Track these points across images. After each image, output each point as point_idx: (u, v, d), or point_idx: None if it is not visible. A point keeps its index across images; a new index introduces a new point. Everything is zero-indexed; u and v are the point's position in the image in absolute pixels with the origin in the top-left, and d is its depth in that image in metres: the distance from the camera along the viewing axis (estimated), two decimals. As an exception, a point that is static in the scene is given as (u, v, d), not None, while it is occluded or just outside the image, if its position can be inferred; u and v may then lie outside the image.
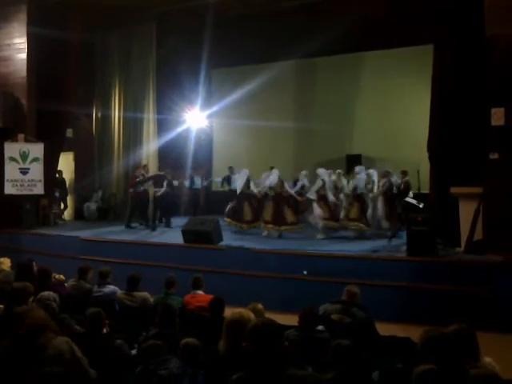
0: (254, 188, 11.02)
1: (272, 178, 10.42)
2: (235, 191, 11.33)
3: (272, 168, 11.13)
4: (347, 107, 14.53)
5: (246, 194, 10.95)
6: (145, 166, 12.74)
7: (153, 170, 13.36)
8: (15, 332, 2.96)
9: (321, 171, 10.44)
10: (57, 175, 13.45)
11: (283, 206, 10.23)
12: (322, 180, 10.23)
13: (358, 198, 10.20)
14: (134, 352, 4.05)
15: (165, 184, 11.99)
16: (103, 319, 4.05)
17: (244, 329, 2.51)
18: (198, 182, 13.89)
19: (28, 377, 2.85)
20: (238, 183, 10.93)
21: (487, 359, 3.24)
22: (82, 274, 6.06)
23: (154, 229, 11.61)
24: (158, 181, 12.05)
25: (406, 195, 9.67)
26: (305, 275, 7.79)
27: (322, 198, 10.21)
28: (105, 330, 4.09)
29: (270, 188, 10.41)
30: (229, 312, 3.48)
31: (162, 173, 12.31)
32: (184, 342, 3.63)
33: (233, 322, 3.25)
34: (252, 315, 3.35)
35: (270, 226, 10.19)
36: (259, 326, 2.36)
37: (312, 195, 10.37)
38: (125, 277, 5.79)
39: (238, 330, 3.09)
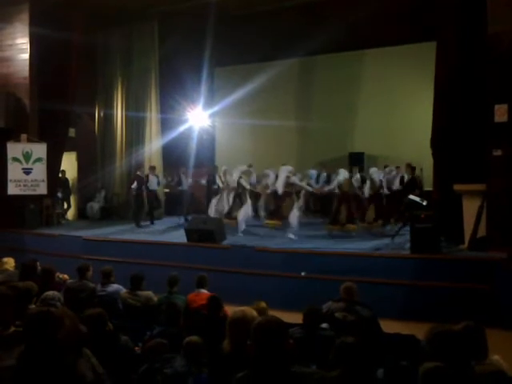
0: (300, 183, 10.75)
1: (342, 176, 10.33)
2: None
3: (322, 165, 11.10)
4: (350, 105, 14.51)
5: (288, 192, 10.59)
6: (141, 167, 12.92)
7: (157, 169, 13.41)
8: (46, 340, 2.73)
9: (373, 170, 10.57)
10: (60, 175, 13.49)
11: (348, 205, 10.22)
12: (372, 179, 10.33)
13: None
14: (137, 350, 4.05)
15: (135, 183, 12.26)
16: (105, 318, 4.03)
17: (247, 327, 2.51)
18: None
19: None
20: (279, 181, 10.56)
21: (495, 357, 3.21)
22: (82, 272, 6.04)
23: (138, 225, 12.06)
24: (134, 180, 12.48)
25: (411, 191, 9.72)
26: (303, 276, 7.80)
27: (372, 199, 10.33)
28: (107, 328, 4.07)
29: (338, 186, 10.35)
30: (232, 310, 3.48)
31: (138, 173, 12.50)
32: (187, 341, 3.63)
33: (236, 320, 3.24)
34: (255, 313, 3.35)
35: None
36: (264, 324, 2.35)
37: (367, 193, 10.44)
38: (128, 276, 5.80)
39: (241, 329, 3.09)
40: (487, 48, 7.97)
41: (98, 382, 2.89)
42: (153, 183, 12.46)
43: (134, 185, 12.26)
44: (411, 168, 10.40)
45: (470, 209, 8.02)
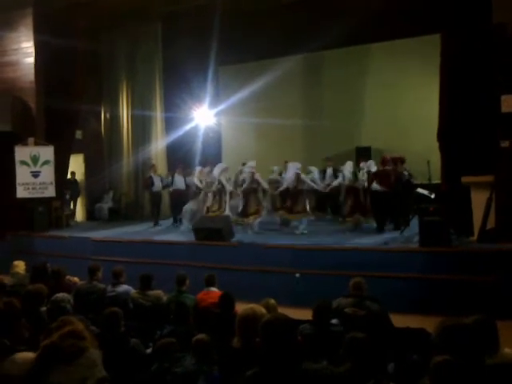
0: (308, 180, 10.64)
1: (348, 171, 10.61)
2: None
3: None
4: (356, 100, 14.48)
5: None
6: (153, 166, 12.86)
7: (161, 168, 13.42)
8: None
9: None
10: (69, 176, 13.56)
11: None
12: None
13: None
14: (149, 350, 4.06)
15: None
16: (120, 319, 4.04)
17: (257, 324, 2.51)
18: None
19: None
20: (288, 177, 10.55)
21: (506, 350, 3.18)
22: (92, 273, 6.07)
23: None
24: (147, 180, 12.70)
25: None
26: (297, 277, 7.80)
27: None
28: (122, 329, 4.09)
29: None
30: (241, 308, 3.48)
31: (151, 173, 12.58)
32: (195, 339, 3.63)
33: (245, 317, 3.25)
34: (264, 310, 3.36)
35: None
36: (272, 322, 2.36)
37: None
38: (138, 276, 5.82)
39: (251, 326, 3.09)
40: (492, 38, 7.91)
41: None
42: (179, 182, 12.39)
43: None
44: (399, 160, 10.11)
45: (479, 201, 7.96)
